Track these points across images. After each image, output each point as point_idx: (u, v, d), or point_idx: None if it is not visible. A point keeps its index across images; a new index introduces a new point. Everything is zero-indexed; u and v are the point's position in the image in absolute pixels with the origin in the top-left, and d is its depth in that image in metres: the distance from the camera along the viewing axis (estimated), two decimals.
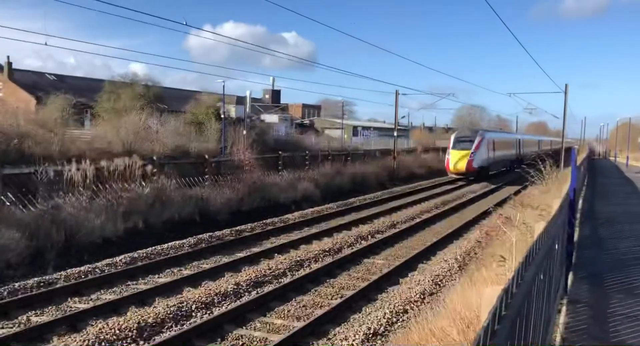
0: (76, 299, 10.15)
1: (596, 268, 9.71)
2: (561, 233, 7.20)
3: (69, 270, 11.77)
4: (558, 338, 6.23)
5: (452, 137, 36.94)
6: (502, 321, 2.57)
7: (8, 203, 13.91)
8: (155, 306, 9.57)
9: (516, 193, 21.47)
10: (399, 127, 41.34)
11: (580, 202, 18.48)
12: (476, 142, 35.16)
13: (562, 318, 6.97)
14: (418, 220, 19.59)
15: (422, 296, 10.37)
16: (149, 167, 17.93)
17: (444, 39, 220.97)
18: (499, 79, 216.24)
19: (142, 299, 10.09)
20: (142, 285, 11.11)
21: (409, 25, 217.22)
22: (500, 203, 21.30)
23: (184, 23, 18.38)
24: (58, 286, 10.57)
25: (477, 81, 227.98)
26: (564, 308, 7.39)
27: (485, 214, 20.03)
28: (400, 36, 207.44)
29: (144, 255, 13.30)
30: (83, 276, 11.37)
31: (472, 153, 34.49)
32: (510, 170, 43.96)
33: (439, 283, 11.32)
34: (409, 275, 12.40)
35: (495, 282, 7.22)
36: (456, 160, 34.63)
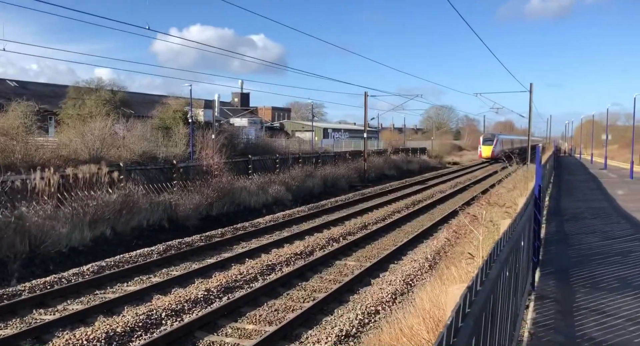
0: (42, 310, 9.90)
1: (562, 263, 9.93)
2: (527, 229, 7.30)
3: (33, 281, 11.48)
4: (526, 334, 6.34)
5: (481, 138, 63.40)
6: (465, 319, 2.60)
7: None
8: (124, 315, 9.40)
9: (484, 192, 21.80)
10: (368, 129, 41.58)
11: (547, 198, 18.85)
12: (495, 140, 60.55)
13: (529, 314, 7.10)
14: (389, 220, 19.73)
15: (393, 297, 10.44)
16: (116, 174, 17.62)
17: (412, 41, 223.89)
18: (466, 80, 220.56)
19: (111, 308, 9.91)
20: (110, 294, 10.91)
21: (377, 27, 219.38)
22: (468, 202, 21.56)
23: (147, 27, 18.04)
24: (22, 297, 10.30)
25: (445, 82, 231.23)
26: (531, 304, 7.52)
27: (454, 213, 20.28)
28: (368, 39, 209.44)
29: (112, 263, 13.07)
30: (49, 287, 11.10)
31: (493, 147, 60.04)
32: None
33: (410, 282, 11.41)
34: (381, 276, 12.47)
35: (464, 280, 7.32)
36: (485, 151, 60.52)
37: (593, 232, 13.22)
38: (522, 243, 6.32)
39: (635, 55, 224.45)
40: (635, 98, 34.87)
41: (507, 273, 4.53)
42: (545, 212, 15.56)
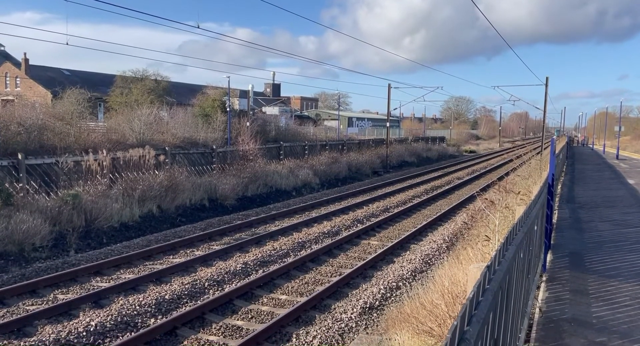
0: (98, 278, 10.36)
1: (572, 248, 9.96)
2: (540, 216, 7.38)
3: (89, 252, 12.02)
4: (537, 311, 6.48)
5: None
6: (485, 294, 2.77)
7: (32, 191, 14.09)
8: (171, 284, 9.80)
9: (500, 179, 21.69)
10: (391, 118, 41.41)
11: (560, 186, 18.69)
12: None
13: (541, 293, 7.22)
14: (409, 204, 19.81)
15: (413, 274, 10.62)
16: (162, 157, 18.08)
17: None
18: (485, 73, 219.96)
19: (159, 278, 10.31)
20: (158, 265, 11.29)
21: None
22: (484, 189, 21.47)
23: (197, 26, 18.28)
24: (81, 266, 10.74)
25: (464, 76, 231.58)
26: (542, 284, 7.63)
27: (470, 198, 20.28)
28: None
29: (159, 237, 13.50)
30: (103, 258, 11.58)
31: None
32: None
33: (429, 261, 11.57)
34: (401, 255, 12.64)
35: (480, 261, 7.45)
36: None
37: (604, 221, 13.12)
38: (536, 228, 6.41)
39: None
40: None
41: (522, 255, 4.68)
42: (557, 199, 15.46)
